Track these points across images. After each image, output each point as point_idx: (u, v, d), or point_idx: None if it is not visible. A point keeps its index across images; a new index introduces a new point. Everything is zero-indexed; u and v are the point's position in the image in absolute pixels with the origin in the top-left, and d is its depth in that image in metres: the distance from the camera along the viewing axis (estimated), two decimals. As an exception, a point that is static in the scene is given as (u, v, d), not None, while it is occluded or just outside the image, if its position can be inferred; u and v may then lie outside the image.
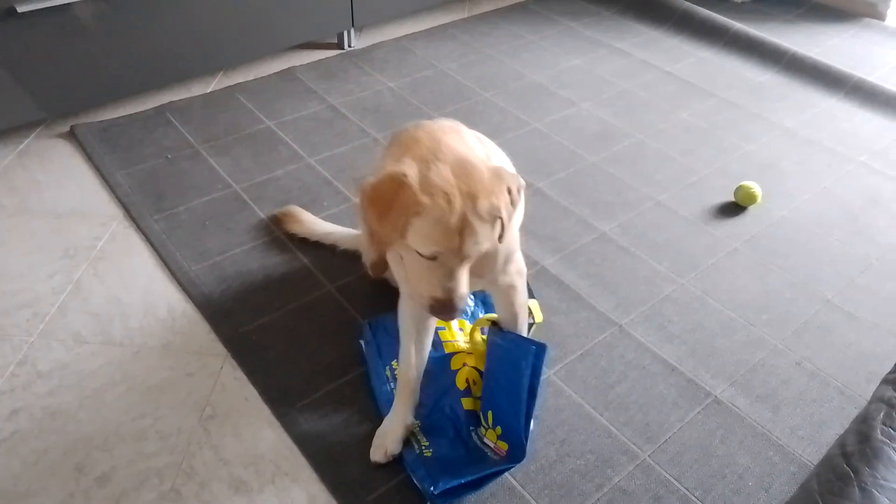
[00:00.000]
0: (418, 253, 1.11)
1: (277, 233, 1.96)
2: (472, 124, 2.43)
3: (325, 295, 1.78)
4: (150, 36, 2.33)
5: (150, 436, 1.45)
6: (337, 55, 2.86)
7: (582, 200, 2.14)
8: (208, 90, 2.60)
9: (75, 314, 1.71)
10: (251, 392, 1.55)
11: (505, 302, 1.44)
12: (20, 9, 1.97)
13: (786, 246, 1.99)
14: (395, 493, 1.35)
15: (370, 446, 1.41)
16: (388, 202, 1.07)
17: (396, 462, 1.39)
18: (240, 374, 1.58)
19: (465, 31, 3.09)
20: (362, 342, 1.61)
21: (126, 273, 1.83)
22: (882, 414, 0.94)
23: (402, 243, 1.11)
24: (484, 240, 1.11)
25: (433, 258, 1.10)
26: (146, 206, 2.04)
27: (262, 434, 1.47)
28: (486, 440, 1.42)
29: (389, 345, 1.56)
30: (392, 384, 1.51)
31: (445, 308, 1.12)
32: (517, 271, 1.42)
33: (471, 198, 1.07)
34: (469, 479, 1.32)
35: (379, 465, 1.39)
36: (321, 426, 1.47)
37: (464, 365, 1.53)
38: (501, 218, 1.13)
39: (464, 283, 1.13)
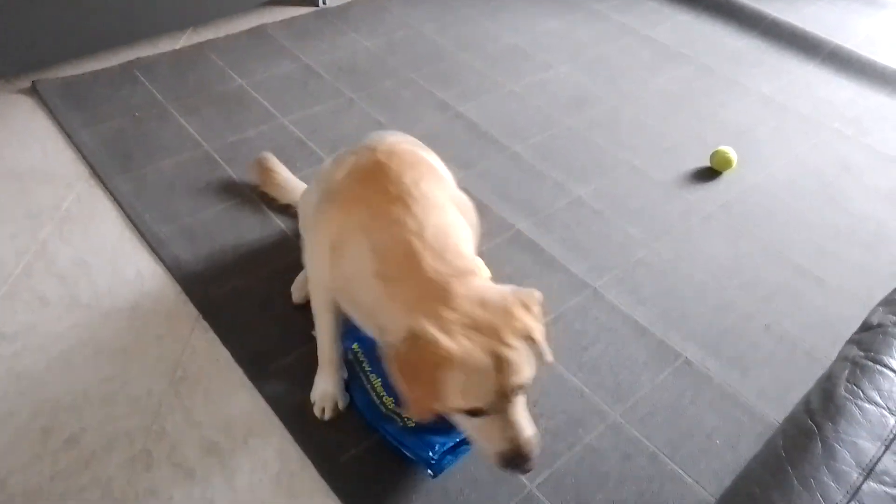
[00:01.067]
0: (466, 412, 1.04)
1: (250, 194, 1.92)
2: (448, 86, 2.42)
3: (297, 258, 1.75)
4: (113, -12, 2.24)
5: (119, 398, 1.43)
6: (311, 13, 2.78)
7: (557, 164, 2.13)
8: (177, 47, 2.51)
9: (40, 276, 1.67)
10: (223, 354, 1.53)
11: None
12: (-27, -45, 1.88)
13: (759, 212, 2.01)
14: (368, 455, 1.36)
15: (345, 412, 1.41)
16: (415, 366, 1.02)
17: (373, 431, 1.38)
18: (211, 336, 1.56)
19: (443, -10, 3.01)
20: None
21: (93, 235, 1.79)
22: (846, 372, 0.95)
23: (443, 406, 1.05)
24: (525, 366, 1.05)
25: (481, 411, 1.03)
26: (113, 166, 1.98)
27: (235, 396, 1.46)
28: None
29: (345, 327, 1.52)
30: (358, 366, 1.47)
31: (519, 459, 1.04)
32: None
33: (495, 333, 1.02)
34: (461, 437, 1.30)
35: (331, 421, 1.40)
36: (294, 389, 1.46)
37: None
38: (534, 337, 1.06)
39: (526, 423, 1.05)
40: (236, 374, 1.50)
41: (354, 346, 1.50)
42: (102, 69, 2.36)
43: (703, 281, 1.78)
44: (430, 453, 1.29)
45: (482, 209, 1.93)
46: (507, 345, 1.02)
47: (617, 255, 1.83)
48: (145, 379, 1.47)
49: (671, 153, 2.21)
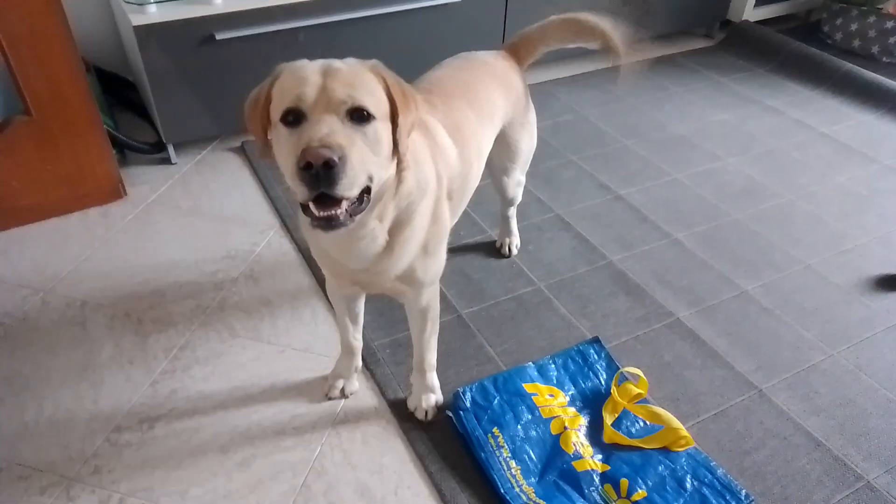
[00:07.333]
0: (282, 123, 0.99)
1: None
2: (610, 170, 2.46)
3: (453, 320, 1.83)
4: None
5: (287, 431, 1.54)
6: (482, 95, 2.96)
7: (723, 256, 2.06)
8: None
9: (231, 310, 1.87)
10: (381, 403, 1.61)
11: (415, 326, 1.48)
12: (219, 36, 2.23)
13: (956, 328, 1.81)
14: (514, 525, 1.35)
15: (496, 476, 1.42)
16: (260, 87, 1.09)
17: None
18: (372, 384, 1.65)
19: (609, 80, 3.11)
20: (461, 412, 1.53)
21: (278, 278, 1.98)
22: None
23: (273, 113, 1.02)
24: (356, 82, 0.99)
25: (296, 114, 0.97)
26: (301, 219, 2.19)
27: (389, 444, 1.52)
28: None
29: (486, 411, 1.54)
30: (498, 451, 1.46)
31: (304, 161, 0.91)
32: (432, 299, 1.42)
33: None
34: None
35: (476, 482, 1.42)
36: (443, 446, 1.50)
37: (565, 428, 1.51)
38: (390, 90, 1.05)
39: (329, 130, 0.94)
40: (392, 424, 1.56)
41: (495, 429, 1.51)
42: (298, 134, 2.65)
43: (888, 398, 1.62)
44: None
45: (640, 292, 1.91)
46: (346, 64, 1.03)
47: (788, 357, 1.73)
48: (312, 416, 1.58)
49: (852, 255, 2.07)
